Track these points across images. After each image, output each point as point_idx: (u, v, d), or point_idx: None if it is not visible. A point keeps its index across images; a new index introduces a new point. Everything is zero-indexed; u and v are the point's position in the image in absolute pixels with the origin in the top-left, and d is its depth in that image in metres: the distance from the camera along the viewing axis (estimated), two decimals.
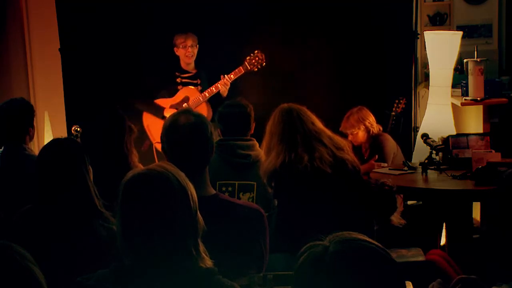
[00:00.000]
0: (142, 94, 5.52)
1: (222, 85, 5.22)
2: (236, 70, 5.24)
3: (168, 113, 5.38)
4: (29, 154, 3.77)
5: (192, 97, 5.35)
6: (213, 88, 5.26)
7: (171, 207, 1.81)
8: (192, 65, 5.47)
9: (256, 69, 5.27)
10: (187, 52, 5.39)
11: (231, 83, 5.28)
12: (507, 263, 2.46)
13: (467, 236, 4.53)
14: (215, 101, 5.20)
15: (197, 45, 5.42)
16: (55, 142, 2.86)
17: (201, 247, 1.86)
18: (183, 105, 5.34)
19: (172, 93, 5.44)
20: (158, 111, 5.45)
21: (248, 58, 5.26)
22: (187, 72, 5.46)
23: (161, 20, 5.70)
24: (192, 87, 5.41)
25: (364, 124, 5.03)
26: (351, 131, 5.02)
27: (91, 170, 2.78)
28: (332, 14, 5.75)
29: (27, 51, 6.11)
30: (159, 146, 5.43)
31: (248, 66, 5.25)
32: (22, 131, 3.80)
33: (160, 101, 5.47)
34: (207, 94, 5.29)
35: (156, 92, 5.49)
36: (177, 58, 5.46)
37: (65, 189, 2.64)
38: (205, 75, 5.45)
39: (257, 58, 5.25)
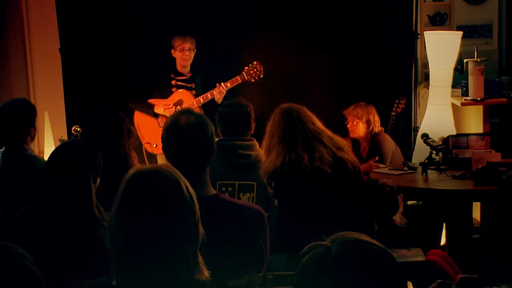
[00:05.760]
0: (135, 94, 5.47)
1: (218, 93, 5.19)
2: (233, 79, 5.20)
3: (158, 109, 5.32)
4: (30, 154, 3.77)
5: (186, 101, 5.29)
6: (208, 95, 5.22)
7: (178, 210, 1.75)
8: (188, 68, 5.40)
9: (253, 80, 5.22)
10: (184, 55, 5.32)
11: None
12: (507, 263, 2.46)
13: (467, 236, 4.53)
14: (208, 106, 5.17)
15: (195, 49, 5.36)
16: (71, 143, 2.86)
17: (200, 258, 1.79)
18: (176, 108, 5.30)
19: (165, 95, 5.36)
20: (150, 110, 5.39)
21: (246, 68, 5.23)
22: (182, 75, 5.40)
23: (161, 21, 5.70)
24: (187, 90, 5.38)
25: (368, 117, 5.05)
26: (354, 119, 5.04)
27: (99, 180, 2.76)
28: (332, 15, 5.76)
29: (27, 51, 6.11)
30: (147, 146, 5.40)
31: (246, 77, 5.21)
32: (23, 131, 3.80)
33: (153, 101, 5.40)
34: (201, 100, 5.24)
35: (149, 93, 5.41)
36: (173, 60, 5.40)
37: (66, 190, 2.64)
38: (201, 79, 5.40)
39: (255, 70, 5.21)
